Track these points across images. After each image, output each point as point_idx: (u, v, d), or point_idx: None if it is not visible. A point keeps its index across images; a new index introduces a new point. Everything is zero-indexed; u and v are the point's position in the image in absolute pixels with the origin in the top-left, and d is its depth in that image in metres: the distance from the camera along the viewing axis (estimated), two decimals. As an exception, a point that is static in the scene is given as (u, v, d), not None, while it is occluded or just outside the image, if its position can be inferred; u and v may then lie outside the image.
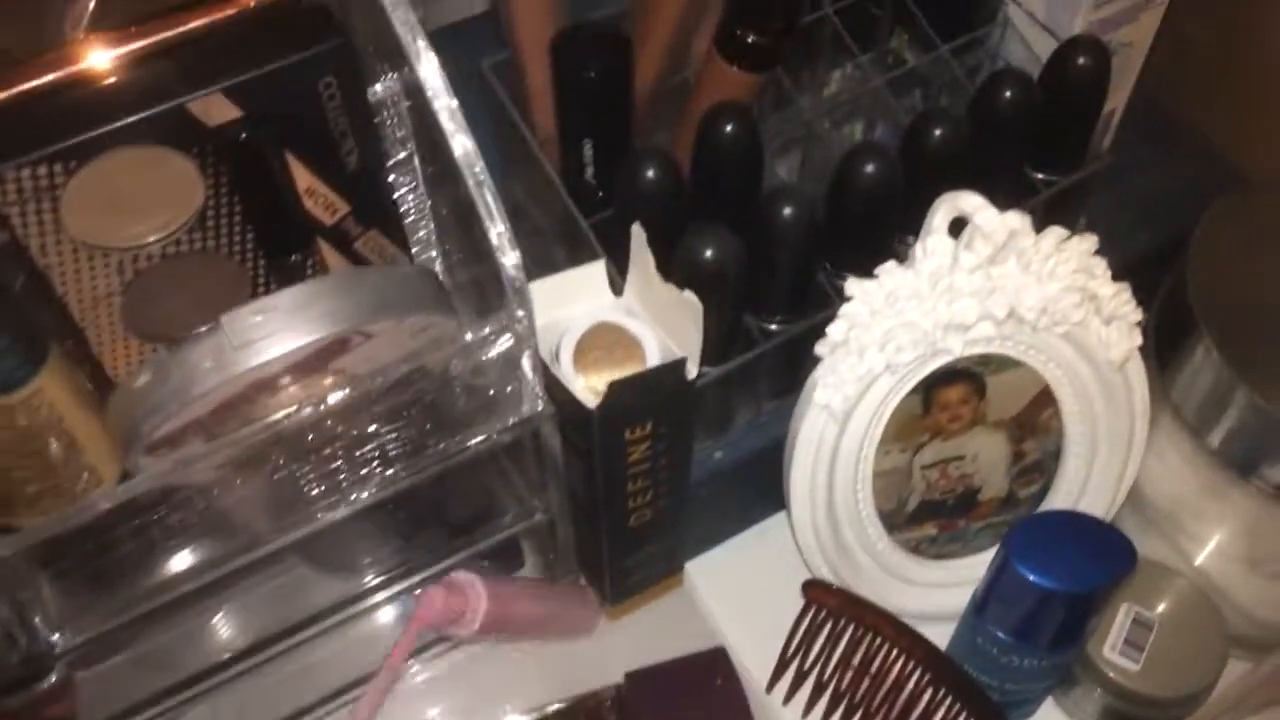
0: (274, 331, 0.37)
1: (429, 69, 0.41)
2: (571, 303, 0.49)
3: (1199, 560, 0.55)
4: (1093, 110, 0.56)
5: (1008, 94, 0.53)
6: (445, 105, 0.41)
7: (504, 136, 0.57)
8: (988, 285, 0.47)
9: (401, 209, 0.49)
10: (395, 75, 0.46)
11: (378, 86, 0.45)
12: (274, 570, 0.52)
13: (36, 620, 0.43)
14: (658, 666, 0.55)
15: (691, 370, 0.46)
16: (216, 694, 0.51)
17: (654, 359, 0.47)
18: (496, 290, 0.45)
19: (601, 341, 0.48)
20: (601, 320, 0.48)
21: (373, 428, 0.45)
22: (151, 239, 0.39)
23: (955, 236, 0.48)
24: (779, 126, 0.58)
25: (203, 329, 0.43)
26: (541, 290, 0.47)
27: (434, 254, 0.51)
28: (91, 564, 0.43)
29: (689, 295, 0.45)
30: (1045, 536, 0.48)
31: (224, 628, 0.52)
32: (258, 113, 0.39)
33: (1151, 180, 0.64)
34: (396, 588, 0.54)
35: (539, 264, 0.61)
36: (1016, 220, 0.46)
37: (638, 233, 0.46)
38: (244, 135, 0.39)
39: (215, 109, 0.38)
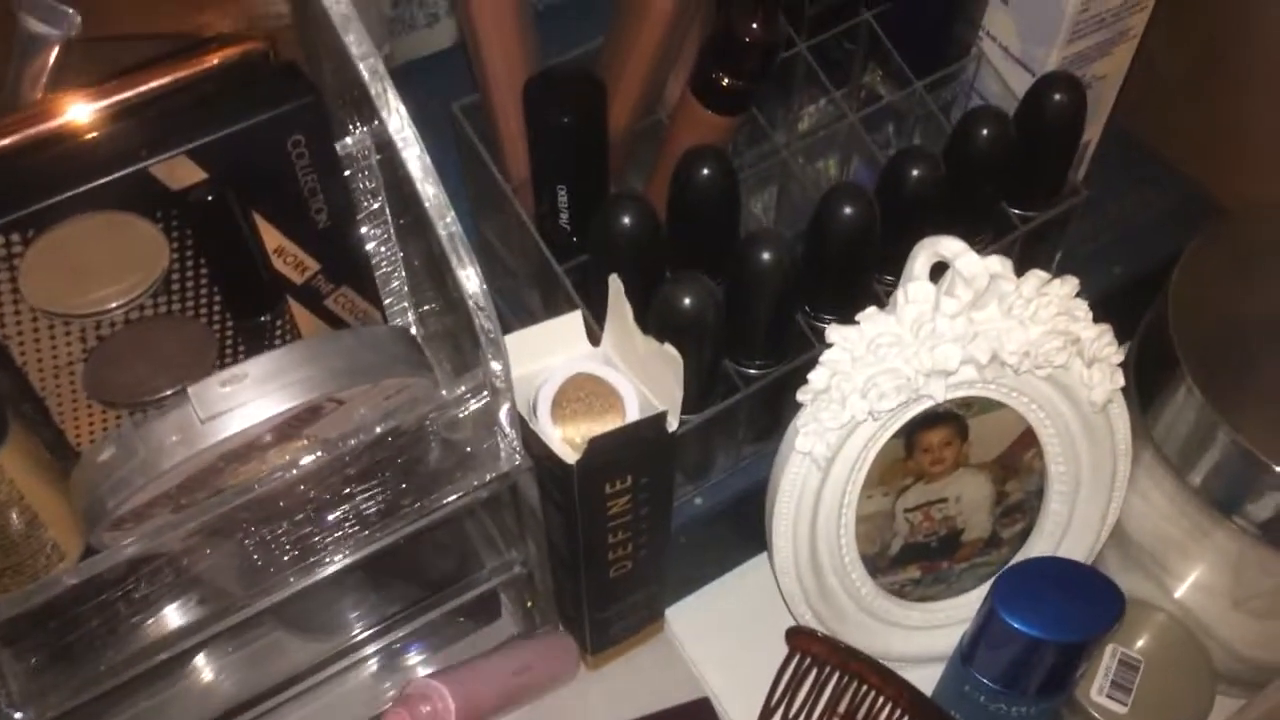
0: (243, 402, 0.36)
1: (398, 120, 0.40)
2: (548, 354, 0.48)
3: (1183, 599, 0.55)
4: (1069, 145, 0.56)
5: (985, 131, 0.52)
6: (415, 155, 0.40)
7: (476, 180, 0.56)
8: (970, 330, 0.47)
9: (373, 261, 0.48)
10: (365, 128, 0.44)
11: (347, 140, 0.44)
12: (248, 635, 0.51)
13: (1, 701, 0.41)
14: None
15: (672, 423, 0.45)
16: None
17: (634, 412, 0.46)
18: (471, 340, 0.44)
19: (580, 392, 0.47)
20: (579, 371, 0.47)
21: (347, 489, 0.44)
22: (114, 305, 0.38)
23: (935, 281, 0.47)
24: (753, 162, 0.58)
25: (169, 392, 0.42)
26: (517, 342, 0.46)
27: (407, 305, 0.50)
28: (56, 640, 0.41)
29: (669, 349, 0.44)
30: (1032, 584, 0.48)
31: (198, 696, 0.50)
32: (224, 173, 0.38)
33: (1126, 212, 0.64)
34: (374, 646, 0.52)
35: (513, 308, 0.60)
36: (998, 265, 0.46)
37: (615, 284, 0.45)
38: (210, 198, 0.38)
39: (179, 171, 0.37)
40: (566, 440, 0.46)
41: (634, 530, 0.50)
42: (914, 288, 0.46)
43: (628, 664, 0.59)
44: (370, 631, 0.52)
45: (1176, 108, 0.67)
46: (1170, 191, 0.65)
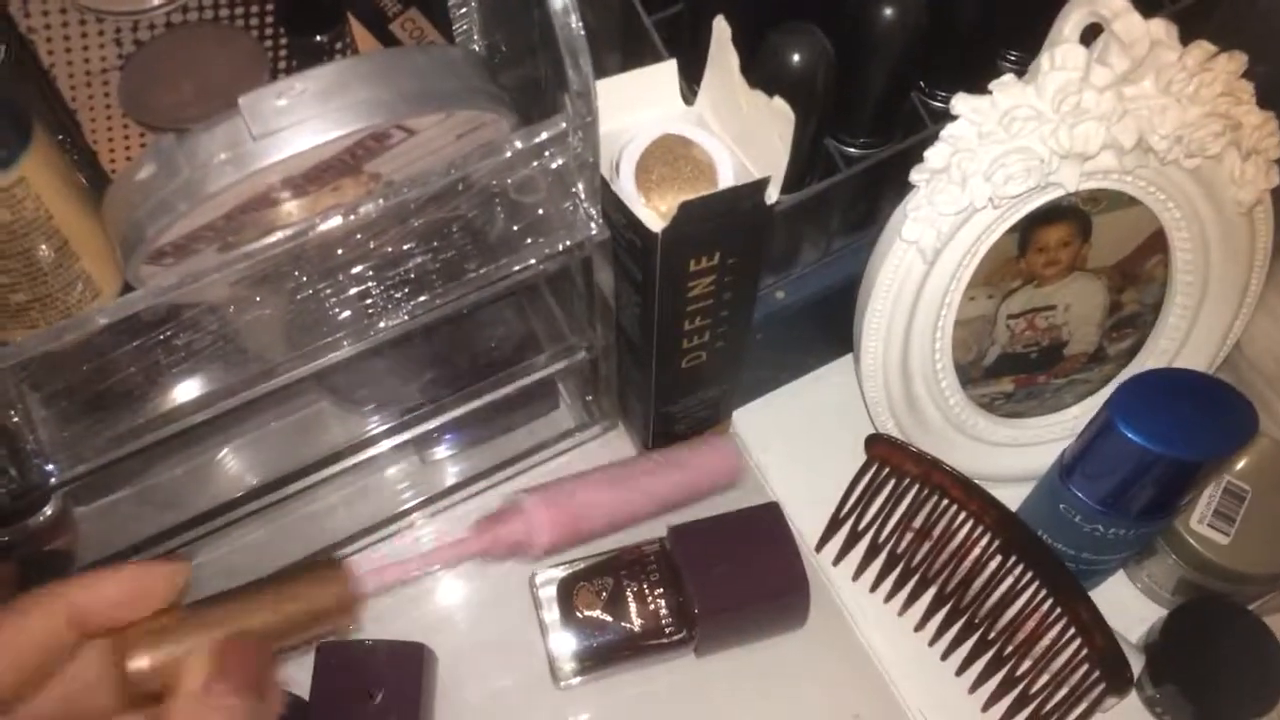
0: (302, 120, 0.31)
1: None
2: (635, 109, 0.42)
3: (1298, 428, 0.51)
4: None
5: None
6: None
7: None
8: (1118, 108, 0.41)
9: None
10: None
11: None
12: (292, 404, 0.48)
13: (28, 448, 0.38)
14: (704, 521, 0.51)
15: (773, 194, 0.40)
16: (227, 533, 0.47)
17: (728, 179, 0.41)
18: (549, 96, 0.39)
19: (668, 155, 0.42)
20: (668, 132, 0.42)
21: (407, 245, 0.40)
22: (155, 1, 0.33)
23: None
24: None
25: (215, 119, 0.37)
26: (603, 91, 0.40)
27: (477, 47, 0.45)
28: (89, 388, 0.37)
29: (779, 103, 0.38)
30: (1154, 396, 0.43)
31: (236, 464, 0.47)
32: None
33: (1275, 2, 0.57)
34: (421, 428, 0.49)
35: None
36: (1162, 30, 0.40)
37: (721, 28, 0.40)
38: (264, -123, 0.32)
39: None
40: (650, 208, 0.41)
41: (713, 317, 0.45)
42: (1063, 51, 0.40)
43: (689, 465, 0.56)
44: (418, 412, 0.49)
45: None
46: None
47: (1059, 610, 0.48)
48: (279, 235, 0.34)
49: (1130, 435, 0.42)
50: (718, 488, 0.50)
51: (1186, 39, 0.53)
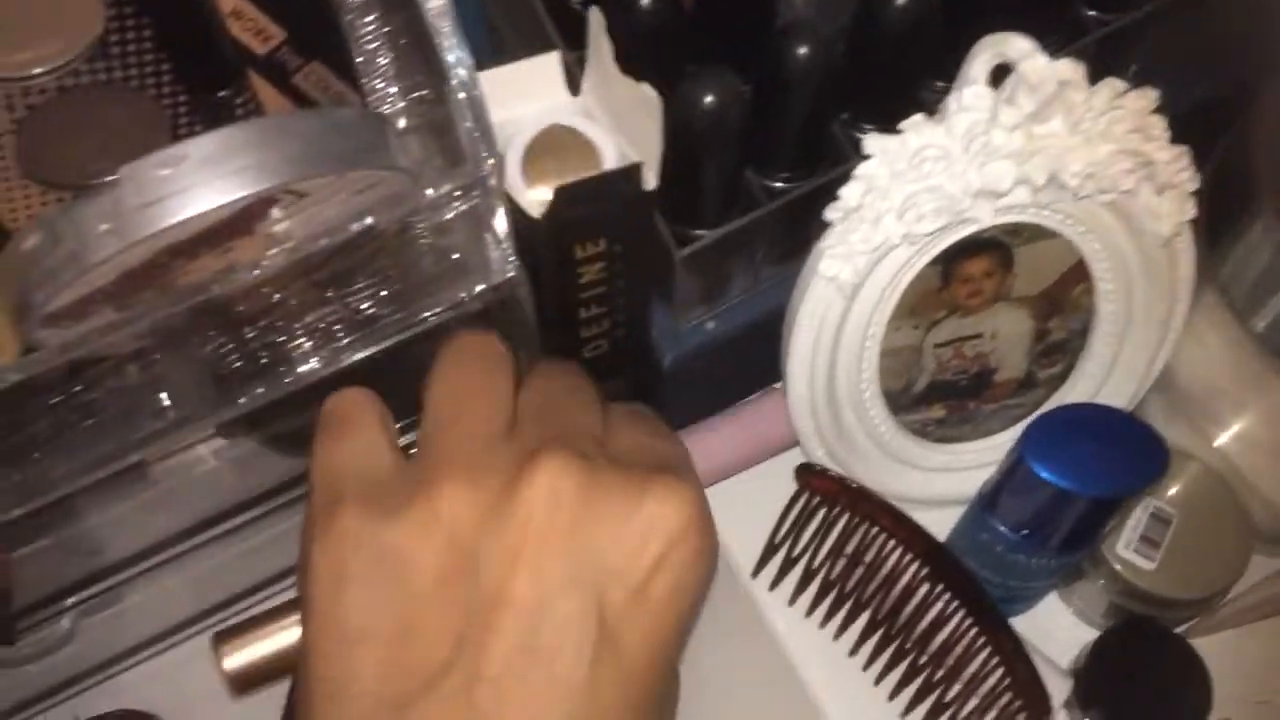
0: (184, 188, 0.31)
1: None
2: (521, 101, 0.42)
3: (1228, 451, 0.51)
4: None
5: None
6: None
7: (477, -50, 0.49)
8: (1029, 146, 0.41)
9: (356, 35, 0.42)
10: None
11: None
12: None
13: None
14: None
15: (649, 179, 0.40)
16: (160, 574, 0.47)
17: (612, 166, 0.42)
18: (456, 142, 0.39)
19: (553, 147, 0.42)
20: (555, 123, 0.42)
21: (328, 292, 0.40)
22: (39, 70, 0.33)
23: (995, 87, 0.41)
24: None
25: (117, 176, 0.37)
26: (485, 84, 0.40)
27: (393, 90, 0.45)
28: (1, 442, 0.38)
29: (647, 89, 0.39)
30: (1067, 432, 0.43)
31: (165, 506, 0.48)
32: (162, -84, 0.32)
33: (1215, 21, 0.56)
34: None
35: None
36: (1069, 70, 0.40)
37: (595, 17, 0.40)
38: (147, -57, 0.32)
39: (107, -91, 0.31)
40: (537, 201, 0.41)
41: (610, 305, 0.45)
42: (970, 93, 0.40)
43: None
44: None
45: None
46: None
47: (983, 638, 0.48)
48: (174, 295, 0.35)
49: (1041, 473, 0.42)
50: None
51: (1118, 58, 0.53)
